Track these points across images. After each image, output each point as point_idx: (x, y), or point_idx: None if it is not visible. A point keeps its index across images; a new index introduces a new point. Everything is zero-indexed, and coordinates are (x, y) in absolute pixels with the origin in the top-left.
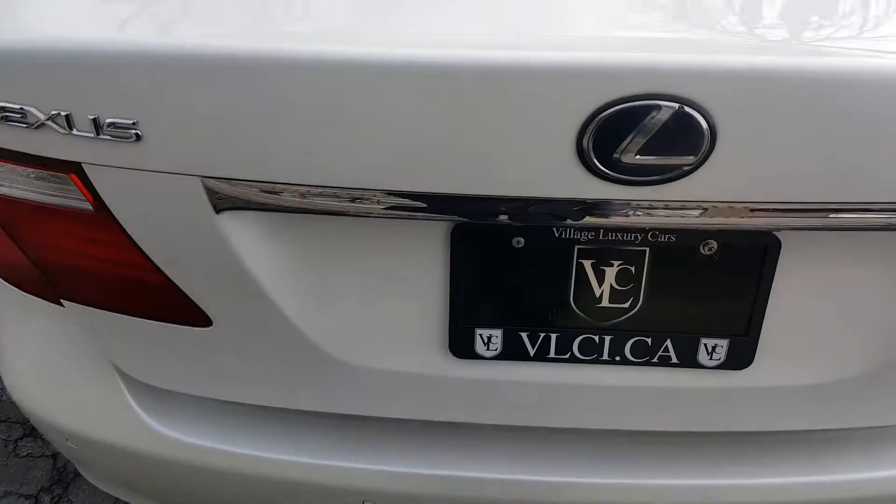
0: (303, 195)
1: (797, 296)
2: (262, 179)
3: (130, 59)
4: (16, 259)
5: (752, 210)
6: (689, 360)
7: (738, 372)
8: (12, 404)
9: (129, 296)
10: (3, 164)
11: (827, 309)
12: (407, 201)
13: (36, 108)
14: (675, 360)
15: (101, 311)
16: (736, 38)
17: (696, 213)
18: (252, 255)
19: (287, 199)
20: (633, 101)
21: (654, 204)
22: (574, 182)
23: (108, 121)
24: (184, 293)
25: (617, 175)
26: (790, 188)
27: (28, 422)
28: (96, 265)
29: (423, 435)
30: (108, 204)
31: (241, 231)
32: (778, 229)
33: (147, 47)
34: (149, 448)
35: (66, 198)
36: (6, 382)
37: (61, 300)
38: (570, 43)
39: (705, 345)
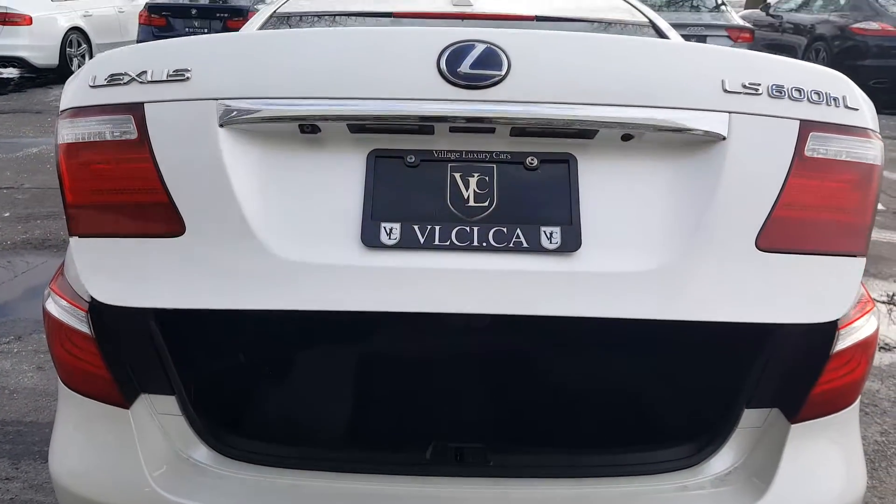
0: (273, 115)
1: (601, 196)
2: (251, 96)
3: (188, 41)
4: (76, 368)
5: (548, 126)
6: (535, 243)
7: (573, 255)
8: None
9: (131, 216)
10: (88, 116)
11: (629, 208)
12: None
13: (130, 71)
14: (525, 244)
15: (98, 239)
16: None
17: (514, 109)
18: (233, 164)
19: (262, 112)
20: (465, 42)
21: (487, 110)
22: (437, 88)
23: (173, 69)
24: (173, 204)
25: (460, 81)
26: (558, 94)
27: None
28: (117, 196)
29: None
30: (148, 131)
31: (231, 144)
32: (570, 139)
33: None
34: None
35: (120, 131)
36: (51, 468)
37: (74, 236)
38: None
39: (544, 231)
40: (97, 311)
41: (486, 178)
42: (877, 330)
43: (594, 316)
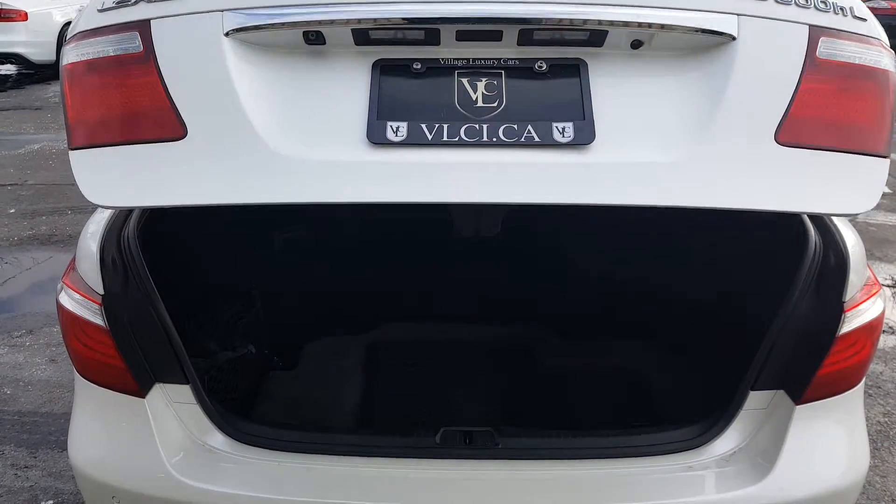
0: (277, 22)
1: (613, 96)
2: (256, 6)
3: None
4: (92, 359)
5: (556, 27)
6: (547, 138)
7: (587, 147)
8: None
9: (131, 123)
10: (94, 37)
11: (642, 105)
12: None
13: None
14: (537, 139)
15: (98, 149)
16: None
17: (521, 8)
18: (237, 73)
19: (266, 20)
20: None
21: (493, 11)
22: None
23: None
24: (174, 109)
25: None
26: None
27: None
28: (119, 106)
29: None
30: (154, 45)
31: (236, 54)
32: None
33: None
34: (172, 494)
35: (125, 47)
36: (71, 455)
37: (73, 149)
38: None
39: (556, 127)
40: (111, 302)
41: (495, 83)
42: (882, 312)
43: (609, 203)
